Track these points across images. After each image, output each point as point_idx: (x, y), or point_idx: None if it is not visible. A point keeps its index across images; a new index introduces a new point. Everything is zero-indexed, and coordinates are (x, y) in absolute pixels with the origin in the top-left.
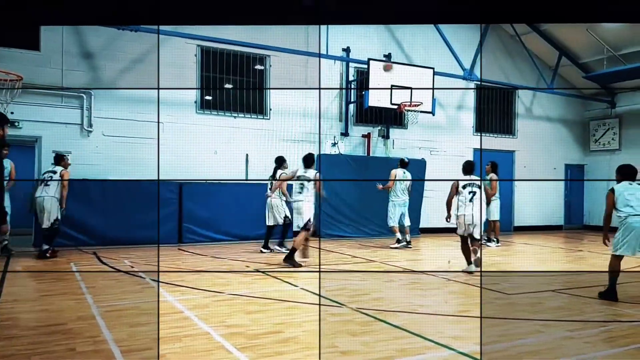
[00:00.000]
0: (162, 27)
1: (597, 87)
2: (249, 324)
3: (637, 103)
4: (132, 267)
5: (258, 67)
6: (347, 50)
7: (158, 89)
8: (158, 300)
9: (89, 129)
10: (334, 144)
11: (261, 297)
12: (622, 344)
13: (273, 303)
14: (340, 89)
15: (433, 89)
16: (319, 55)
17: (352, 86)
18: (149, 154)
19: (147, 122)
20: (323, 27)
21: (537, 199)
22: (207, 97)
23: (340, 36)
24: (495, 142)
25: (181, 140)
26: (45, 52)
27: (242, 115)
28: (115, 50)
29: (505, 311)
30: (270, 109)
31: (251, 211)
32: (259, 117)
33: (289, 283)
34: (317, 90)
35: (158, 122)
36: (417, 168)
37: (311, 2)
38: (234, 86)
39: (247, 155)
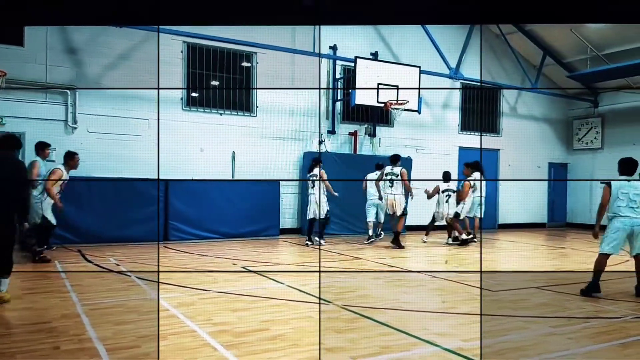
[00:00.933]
0: None
1: (581, 87)
2: (235, 322)
3: (619, 102)
4: (118, 264)
5: (245, 64)
6: (334, 48)
7: (158, 88)
8: (158, 299)
9: (74, 126)
10: (321, 142)
11: (247, 294)
12: (604, 339)
13: (259, 301)
14: (339, 89)
15: (419, 88)
16: (319, 55)
17: (340, 84)
18: (134, 151)
19: (132, 118)
20: (311, 25)
21: (521, 197)
22: (194, 94)
23: (327, 34)
24: (479, 140)
25: (167, 137)
26: (29, 47)
27: (229, 113)
28: (99, 46)
29: (490, 308)
30: (257, 107)
31: (237, 209)
32: (245, 114)
33: (275, 280)
34: (304, 88)
35: (158, 120)
36: (403, 166)
37: (311, 2)
38: (220, 83)
39: (233, 152)
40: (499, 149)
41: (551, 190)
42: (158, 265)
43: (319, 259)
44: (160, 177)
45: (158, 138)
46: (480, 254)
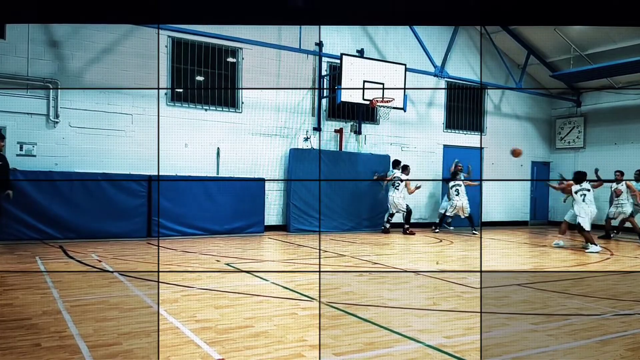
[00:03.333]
0: None
1: (564, 87)
2: (218, 319)
3: (601, 102)
4: (100, 261)
5: (230, 59)
6: (319, 44)
7: (158, 88)
8: (158, 300)
9: (55, 120)
10: (307, 139)
11: (231, 291)
12: (584, 336)
13: (243, 297)
14: (335, 89)
15: (405, 88)
16: (320, 54)
17: (325, 80)
18: (117, 146)
19: (115, 113)
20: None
21: (504, 195)
22: (178, 89)
23: (312, 30)
24: (464, 139)
25: (151, 132)
26: (10, 39)
27: (214, 108)
28: (82, 39)
29: (472, 305)
30: (243, 103)
31: (222, 205)
32: (230, 110)
33: (260, 277)
34: (297, 88)
35: (158, 117)
36: (381, 164)
37: (302, 3)
38: (205, 78)
39: (218, 148)
40: (483, 148)
41: (533, 189)
42: (158, 265)
43: (319, 257)
44: (144, 173)
45: (158, 134)
46: (481, 254)
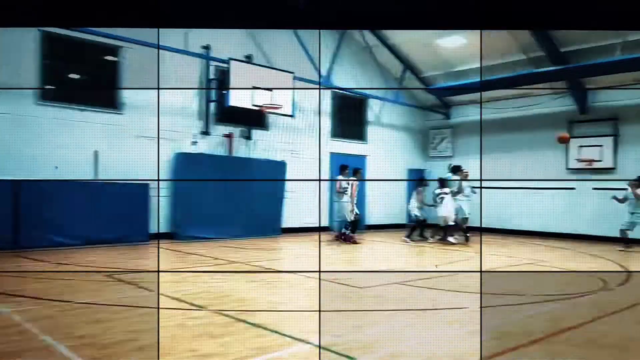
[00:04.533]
0: None
1: (434, 100)
2: (99, 334)
3: (467, 115)
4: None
5: (110, 58)
6: (207, 47)
7: (158, 88)
8: (158, 299)
9: None
10: (194, 143)
11: (113, 304)
12: (456, 327)
13: (126, 310)
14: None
15: (287, 88)
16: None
17: (213, 85)
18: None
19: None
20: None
21: (385, 200)
22: (50, 87)
23: (198, 33)
24: (349, 147)
25: (17, 134)
26: None
27: (91, 109)
28: None
29: (359, 305)
30: (124, 103)
31: (101, 212)
32: (110, 111)
33: (144, 288)
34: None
35: (158, 120)
36: (277, 170)
37: (302, 6)
38: (81, 77)
39: (96, 152)
40: (366, 156)
41: (408, 194)
42: (158, 265)
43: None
44: (7, 178)
45: (158, 136)
46: (481, 253)
